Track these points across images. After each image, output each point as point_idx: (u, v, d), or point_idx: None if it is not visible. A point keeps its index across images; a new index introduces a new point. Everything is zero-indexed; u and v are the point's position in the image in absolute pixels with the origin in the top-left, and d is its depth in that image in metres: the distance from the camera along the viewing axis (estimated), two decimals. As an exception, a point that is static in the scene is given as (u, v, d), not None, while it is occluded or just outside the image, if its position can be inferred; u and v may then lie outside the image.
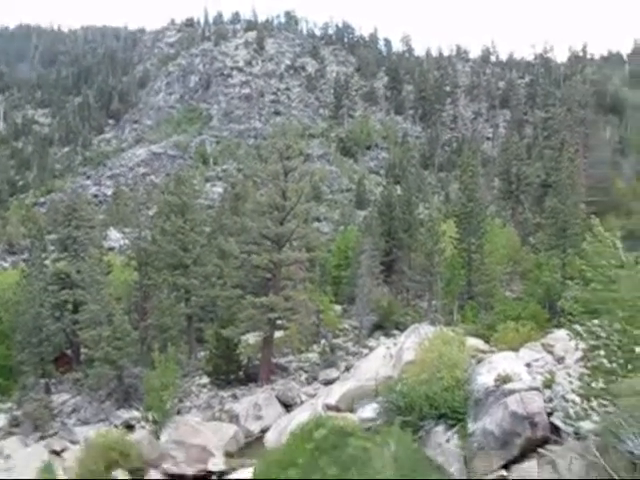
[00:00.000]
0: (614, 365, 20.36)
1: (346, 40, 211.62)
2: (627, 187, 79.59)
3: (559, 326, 36.34)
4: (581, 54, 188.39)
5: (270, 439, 39.25)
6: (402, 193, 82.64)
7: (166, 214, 59.68)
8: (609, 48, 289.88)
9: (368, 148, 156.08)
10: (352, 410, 38.89)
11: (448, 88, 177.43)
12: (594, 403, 20.68)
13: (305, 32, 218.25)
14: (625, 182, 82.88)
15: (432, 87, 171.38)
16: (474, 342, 42.86)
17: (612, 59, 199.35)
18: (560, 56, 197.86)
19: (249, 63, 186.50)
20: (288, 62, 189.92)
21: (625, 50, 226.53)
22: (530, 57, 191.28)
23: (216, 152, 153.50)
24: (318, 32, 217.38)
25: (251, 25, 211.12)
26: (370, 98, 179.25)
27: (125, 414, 45.98)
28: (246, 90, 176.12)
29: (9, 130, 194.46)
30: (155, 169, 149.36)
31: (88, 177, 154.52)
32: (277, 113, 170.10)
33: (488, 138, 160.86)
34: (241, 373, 52.25)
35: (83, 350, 56.59)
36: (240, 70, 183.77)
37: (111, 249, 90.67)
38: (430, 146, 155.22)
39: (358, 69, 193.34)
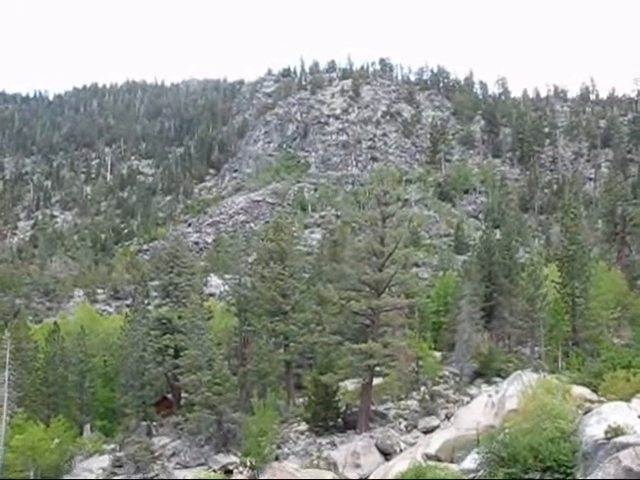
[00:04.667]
0: None
1: (441, 84, 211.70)
2: None
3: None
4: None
5: (370, 488, 38.61)
6: (501, 237, 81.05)
7: (265, 261, 60.44)
8: None
9: (466, 192, 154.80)
10: (452, 460, 37.92)
11: (547, 129, 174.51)
12: None
13: (400, 78, 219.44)
14: None
15: (530, 128, 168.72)
16: (580, 391, 41.34)
17: None
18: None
19: (345, 110, 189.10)
20: (384, 108, 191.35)
21: None
22: (632, 93, 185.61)
23: (314, 199, 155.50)
24: (413, 77, 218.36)
25: (347, 73, 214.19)
26: (467, 142, 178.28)
27: (224, 459, 46.26)
28: (343, 137, 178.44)
29: (115, 181, 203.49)
30: (254, 216, 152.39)
31: (189, 225, 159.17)
32: (374, 159, 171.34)
33: (590, 179, 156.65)
34: (339, 420, 51.78)
35: (183, 394, 57.60)
36: (337, 118, 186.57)
37: (212, 295, 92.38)
38: (529, 189, 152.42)
39: (454, 113, 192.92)
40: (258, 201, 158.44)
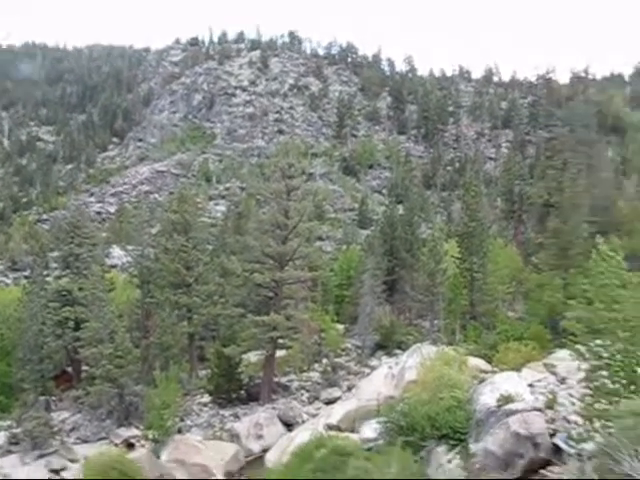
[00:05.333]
0: (616, 386, 20.24)
1: (349, 60, 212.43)
2: (629, 207, 79.39)
3: (562, 346, 36.08)
4: (583, 75, 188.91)
5: (271, 459, 38.99)
6: (404, 212, 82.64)
7: (169, 232, 59.69)
8: (611, 69, 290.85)
9: (371, 167, 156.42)
10: (354, 430, 38.74)
11: (451, 108, 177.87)
12: (597, 424, 20.50)
13: (309, 52, 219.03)
14: (627, 202, 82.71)
15: (435, 107, 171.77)
16: (476, 362, 42.81)
17: (614, 80, 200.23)
18: (562, 77, 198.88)
19: (253, 82, 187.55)
20: (292, 81, 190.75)
21: (627, 71, 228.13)
22: (532, 78, 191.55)
23: (219, 171, 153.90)
24: (322, 52, 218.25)
25: (255, 44, 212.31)
26: (373, 118, 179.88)
27: (125, 432, 45.57)
28: (250, 109, 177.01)
29: (13, 147, 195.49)
30: (158, 187, 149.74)
31: (91, 194, 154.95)
32: (280, 132, 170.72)
33: (491, 158, 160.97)
34: (242, 392, 51.98)
35: (84, 368, 56.25)
36: (244, 89, 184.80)
37: (113, 267, 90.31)
38: (433, 166, 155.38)
39: (361, 89, 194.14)
40: (162, 171, 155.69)
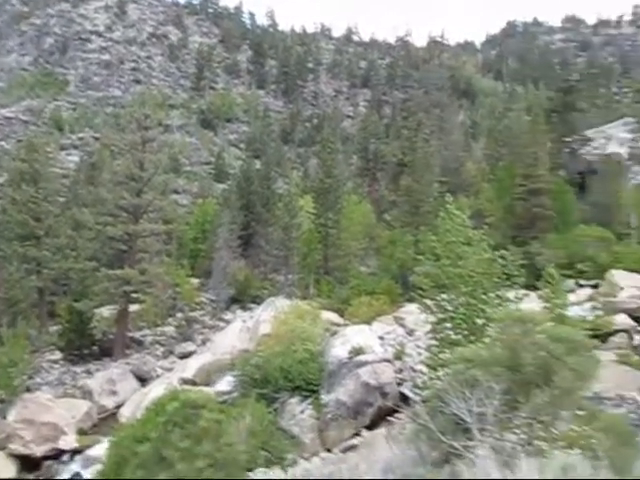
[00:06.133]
0: (459, 336, 21.37)
1: (210, 10, 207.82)
2: (476, 169, 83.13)
3: (411, 300, 37.55)
4: (439, 40, 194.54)
5: (125, 414, 38.46)
6: (261, 167, 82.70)
7: (17, 182, 56.88)
8: (465, 37, 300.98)
9: (229, 121, 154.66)
10: (209, 384, 38.88)
11: (311, 65, 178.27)
12: (440, 373, 21.65)
13: (169, 0, 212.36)
14: (475, 164, 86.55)
15: (295, 63, 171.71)
16: (329, 316, 43.79)
17: (467, 47, 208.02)
18: (419, 40, 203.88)
19: (109, 28, 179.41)
20: (150, 30, 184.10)
21: (478, 39, 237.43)
22: (391, 39, 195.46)
23: (72, 119, 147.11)
24: (182, 0, 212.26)
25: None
26: (233, 71, 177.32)
27: (-32, 392, 43.70)
28: (106, 56, 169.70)
29: None
30: (5, 134, 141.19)
31: None
32: (137, 82, 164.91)
33: (348, 116, 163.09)
34: (95, 348, 50.68)
35: None
36: (99, 35, 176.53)
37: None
38: (291, 122, 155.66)
39: (222, 41, 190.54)
40: (10, 118, 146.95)
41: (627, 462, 7.87)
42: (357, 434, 27.20)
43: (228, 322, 54.21)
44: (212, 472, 16.28)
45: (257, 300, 58.87)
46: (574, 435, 8.43)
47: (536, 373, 9.22)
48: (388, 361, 29.89)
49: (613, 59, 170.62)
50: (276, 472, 8.21)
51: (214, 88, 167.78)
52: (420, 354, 27.42)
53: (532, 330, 9.80)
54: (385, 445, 15.11)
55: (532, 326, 9.93)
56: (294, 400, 30.12)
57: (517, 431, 8.82)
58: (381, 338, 34.62)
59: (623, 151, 67.43)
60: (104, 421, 40.78)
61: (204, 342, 51.38)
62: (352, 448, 25.45)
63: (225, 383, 35.17)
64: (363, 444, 24.61)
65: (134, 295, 50.84)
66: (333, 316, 44.87)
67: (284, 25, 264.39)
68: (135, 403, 38.62)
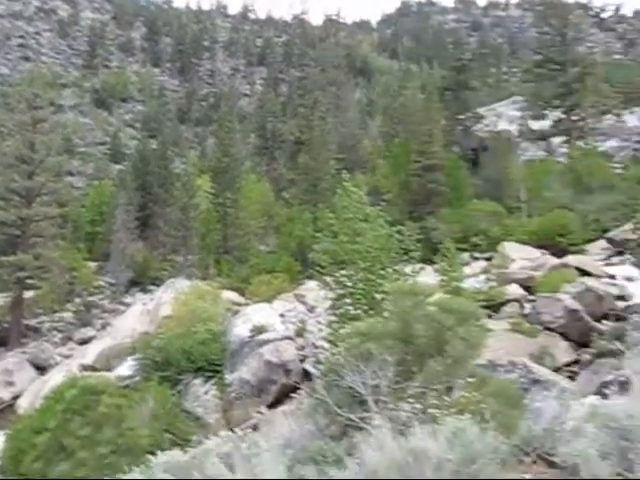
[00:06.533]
0: (358, 311, 21.74)
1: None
2: (373, 146, 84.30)
3: (310, 277, 37.89)
4: (335, 18, 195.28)
5: (23, 405, 37.34)
6: (158, 147, 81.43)
7: None
8: (360, 16, 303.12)
9: (124, 100, 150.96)
10: (110, 369, 38.25)
11: (207, 43, 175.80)
12: (341, 348, 21.97)
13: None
14: (371, 141, 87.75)
15: (190, 41, 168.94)
16: (230, 295, 43.78)
17: (362, 26, 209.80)
18: (315, 19, 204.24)
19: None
20: (37, 4, 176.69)
21: (374, 18, 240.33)
22: (288, 17, 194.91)
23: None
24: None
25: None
26: (127, 49, 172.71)
27: None
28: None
29: None
30: None
31: None
32: (26, 59, 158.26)
33: (245, 94, 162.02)
34: (-12, 337, 49.20)
35: None
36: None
37: None
38: (187, 100, 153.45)
39: (114, 17, 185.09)
40: None
41: (512, 422, 8.30)
42: (260, 412, 27.40)
43: (128, 305, 53.45)
44: (115, 458, 16.12)
45: (157, 282, 58.07)
46: (465, 401, 8.79)
47: (428, 344, 9.55)
48: (290, 338, 30.13)
49: (502, 40, 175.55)
50: (176, 453, 8.24)
51: (108, 66, 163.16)
52: (321, 330, 27.71)
53: (423, 302, 10.12)
54: (284, 421, 15.30)
55: (423, 298, 10.26)
56: (197, 381, 30.02)
57: (411, 400, 9.12)
58: (282, 316, 34.81)
59: (513, 128, 69.76)
60: (0, 414, 39.60)
61: (104, 327, 50.55)
62: (254, 427, 25.62)
63: (126, 367, 34.64)
64: (263, 422, 24.78)
65: (29, 281, 49.66)
66: (234, 295, 44.86)
67: (179, 2, 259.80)
68: (33, 393, 37.59)
